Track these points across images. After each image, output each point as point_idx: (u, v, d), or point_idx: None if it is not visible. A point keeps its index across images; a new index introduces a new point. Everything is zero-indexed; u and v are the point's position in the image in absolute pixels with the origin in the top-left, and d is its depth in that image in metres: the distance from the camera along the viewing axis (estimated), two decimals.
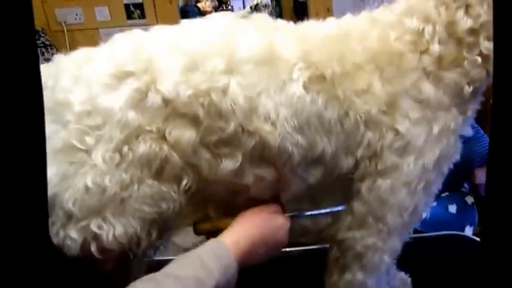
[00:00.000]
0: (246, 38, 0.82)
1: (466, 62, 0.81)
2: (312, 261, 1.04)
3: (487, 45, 0.79)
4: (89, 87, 0.77)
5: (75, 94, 0.77)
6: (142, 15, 2.50)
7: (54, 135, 0.76)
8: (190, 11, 4.15)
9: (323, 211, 0.95)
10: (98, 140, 0.76)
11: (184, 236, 1.72)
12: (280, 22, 0.89)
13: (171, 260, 0.81)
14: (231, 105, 0.78)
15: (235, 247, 0.78)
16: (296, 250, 1.30)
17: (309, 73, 0.80)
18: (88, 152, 0.76)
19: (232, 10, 5.38)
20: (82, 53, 0.84)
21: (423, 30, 0.81)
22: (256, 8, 4.52)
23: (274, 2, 4.69)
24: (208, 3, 4.54)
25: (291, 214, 0.91)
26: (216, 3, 4.94)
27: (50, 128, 0.74)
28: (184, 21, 0.89)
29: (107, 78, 0.78)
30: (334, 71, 0.80)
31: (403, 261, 1.05)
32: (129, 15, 2.46)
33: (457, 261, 1.18)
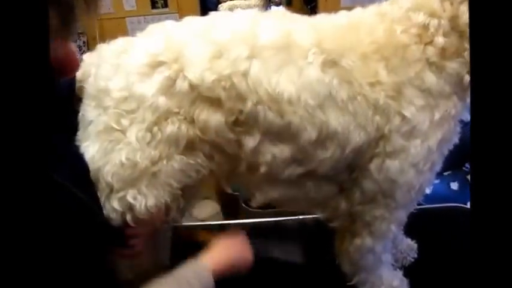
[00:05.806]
0: (267, 27, 0.85)
1: (466, 53, 0.83)
2: (316, 229, 1.11)
3: None
4: (126, 76, 0.83)
5: (114, 82, 0.83)
6: (166, 5, 2.60)
7: (97, 118, 0.83)
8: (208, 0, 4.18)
9: None
10: (132, 122, 0.82)
11: (201, 209, 1.86)
12: (296, 15, 0.93)
13: (195, 225, 0.90)
14: (251, 86, 0.81)
15: (214, 269, 0.88)
16: (308, 218, 1.35)
17: (322, 58, 0.83)
18: (123, 131, 0.82)
19: None
20: (121, 43, 0.89)
21: (429, 24, 0.83)
22: None
23: None
24: None
25: None
26: None
27: (93, 113, 0.84)
28: (213, 13, 0.94)
29: (142, 67, 0.83)
30: (344, 58, 0.83)
31: (410, 229, 1.14)
32: (154, 5, 2.56)
33: (458, 230, 1.28)
